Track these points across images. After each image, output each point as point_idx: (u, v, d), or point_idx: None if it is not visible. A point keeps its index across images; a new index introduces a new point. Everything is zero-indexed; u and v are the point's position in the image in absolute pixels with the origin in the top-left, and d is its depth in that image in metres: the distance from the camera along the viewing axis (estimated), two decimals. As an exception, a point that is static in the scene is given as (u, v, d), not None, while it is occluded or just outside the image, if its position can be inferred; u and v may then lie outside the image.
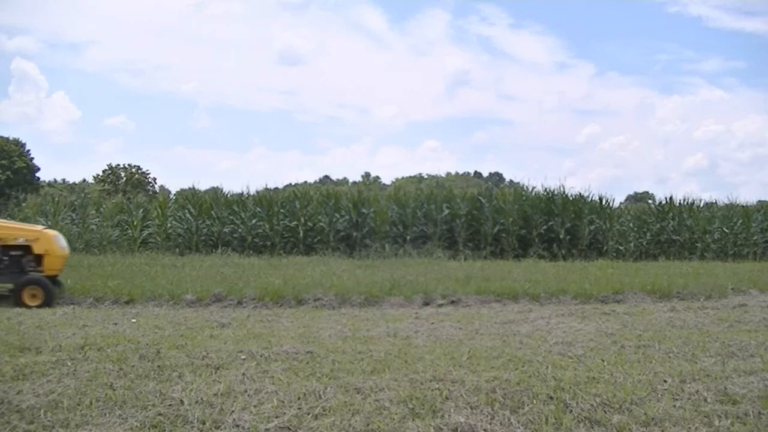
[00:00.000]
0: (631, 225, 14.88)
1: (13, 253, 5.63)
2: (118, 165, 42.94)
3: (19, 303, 5.28)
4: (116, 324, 4.28)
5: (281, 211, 13.78)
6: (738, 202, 16.15)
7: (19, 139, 41.86)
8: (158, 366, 2.86)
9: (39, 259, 5.65)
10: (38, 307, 5.21)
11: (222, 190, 15.63)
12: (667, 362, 3.10)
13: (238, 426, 2.05)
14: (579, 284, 6.97)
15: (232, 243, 13.26)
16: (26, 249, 5.64)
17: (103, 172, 42.02)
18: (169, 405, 2.24)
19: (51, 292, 5.44)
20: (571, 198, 14.27)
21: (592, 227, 14.09)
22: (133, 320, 4.52)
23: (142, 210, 14.42)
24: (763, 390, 2.49)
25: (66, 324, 4.25)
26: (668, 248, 14.55)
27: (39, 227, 6.03)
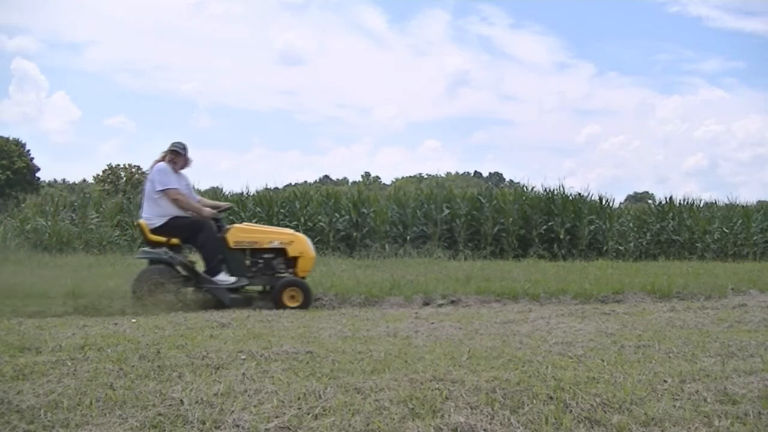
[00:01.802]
0: (631, 225, 14.89)
1: (266, 256, 5.73)
2: (118, 165, 42.93)
3: (279, 304, 5.39)
4: (116, 324, 4.28)
5: (281, 211, 13.79)
6: (738, 202, 16.19)
7: (19, 139, 41.90)
8: (158, 366, 2.86)
9: (291, 261, 5.76)
10: (297, 308, 5.35)
11: (222, 190, 15.65)
12: (667, 362, 3.10)
13: (238, 426, 2.04)
14: (579, 284, 6.97)
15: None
16: (279, 252, 5.75)
17: (103, 172, 42.03)
18: (169, 405, 2.24)
19: (309, 294, 5.58)
20: (570, 198, 14.28)
21: (592, 227, 14.10)
22: (133, 320, 4.52)
23: (142, 210, 14.40)
24: (763, 390, 2.49)
25: (66, 324, 4.25)
26: (668, 248, 14.56)
27: (291, 231, 6.19)
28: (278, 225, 13.50)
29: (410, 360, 3.07)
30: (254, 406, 2.24)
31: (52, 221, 13.23)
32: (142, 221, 5.57)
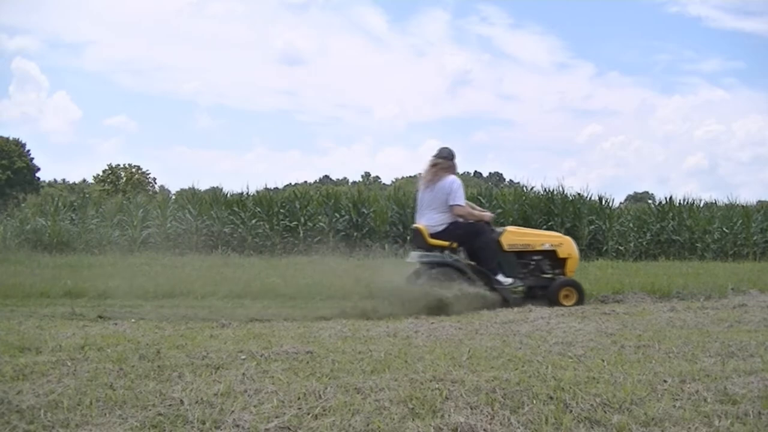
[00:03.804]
0: (631, 225, 14.89)
1: (535, 258, 5.99)
2: (118, 165, 42.98)
3: (555, 303, 5.63)
4: (116, 324, 4.28)
5: (281, 211, 13.80)
6: (738, 202, 16.18)
7: (19, 139, 41.98)
8: (158, 366, 2.86)
9: (559, 262, 6.05)
10: (572, 306, 5.60)
11: (222, 190, 15.66)
12: (667, 362, 3.10)
13: (238, 426, 2.04)
14: (579, 284, 6.95)
15: (232, 243, 13.27)
16: (549, 254, 6.03)
17: (103, 172, 42.08)
18: (169, 405, 2.24)
19: (583, 292, 5.83)
20: (570, 198, 14.30)
21: (592, 227, 14.10)
22: (133, 320, 4.52)
23: (142, 210, 14.43)
24: (763, 390, 2.49)
25: (66, 324, 4.25)
26: (668, 248, 14.56)
27: (558, 233, 6.56)
28: (278, 225, 13.53)
29: (410, 360, 3.07)
30: (254, 406, 2.24)
31: (52, 221, 13.23)
32: (421, 226, 5.79)
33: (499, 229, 6.01)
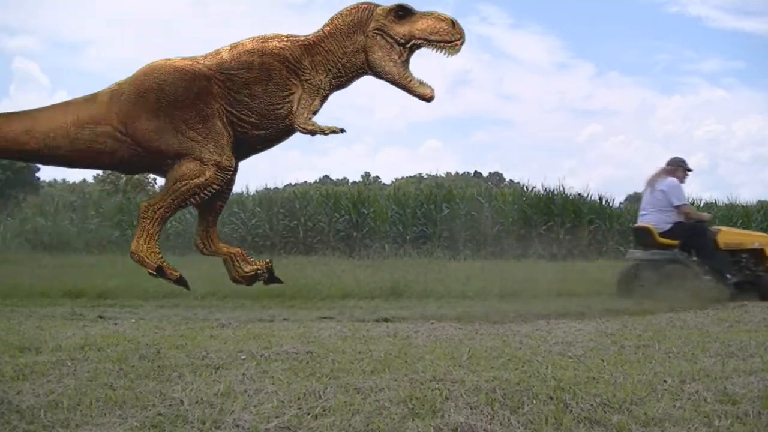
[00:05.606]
0: (631, 225, 14.90)
1: (743, 255, 6.37)
2: (119, 165, 42.73)
3: (766, 298, 5.95)
4: (116, 324, 4.28)
5: (281, 211, 13.79)
6: (738, 202, 16.18)
7: (20, 140, 41.82)
8: (158, 366, 2.86)
9: (765, 260, 6.40)
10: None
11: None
12: (667, 362, 3.10)
13: (238, 426, 2.04)
14: (578, 284, 6.96)
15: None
16: (756, 252, 6.41)
17: (103, 171, 41.92)
18: (169, 405, 2.24)
19: None
20: (570, 198, 14.32)
21: (592, 227, 14.11)
22: (133, 320, 4.52)
23: (142, 210, 14.40)
24: (763, 390, 2.49)
25: (66, 324, 4.26)
26: (668, 248, 14.53)
27: (765, 234, 7.40)
28: (278, 225, 13.53)
29: (410, 360, 3.07)
30: (254, 406, 2.24)
31: (52, 221, 13.24)
32: (650, 225, 6.27)
33: (713, 228, 6.46)
